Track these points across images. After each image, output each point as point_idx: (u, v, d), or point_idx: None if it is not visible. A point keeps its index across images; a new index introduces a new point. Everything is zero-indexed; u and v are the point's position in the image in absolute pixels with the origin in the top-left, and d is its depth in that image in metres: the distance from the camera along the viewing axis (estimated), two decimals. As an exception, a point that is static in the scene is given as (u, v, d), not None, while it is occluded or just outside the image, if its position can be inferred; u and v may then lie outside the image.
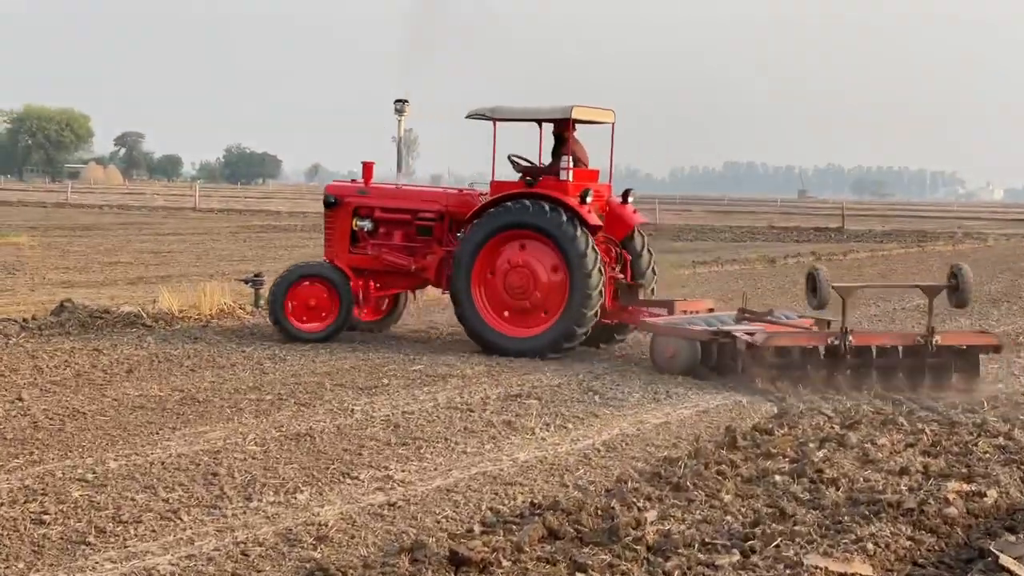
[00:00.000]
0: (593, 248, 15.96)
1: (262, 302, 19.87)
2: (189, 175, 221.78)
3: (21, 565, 7.23)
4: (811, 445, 10.84)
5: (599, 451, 10.91)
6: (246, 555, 7.63)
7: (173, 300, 19.21)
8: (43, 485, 8.93)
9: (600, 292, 16.02)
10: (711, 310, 17.05)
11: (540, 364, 15.52)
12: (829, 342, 14.16)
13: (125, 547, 7.66)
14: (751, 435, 11.37)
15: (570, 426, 11.92)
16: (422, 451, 10.60)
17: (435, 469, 10.00)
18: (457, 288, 16.35)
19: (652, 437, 11.58)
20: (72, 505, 8.46)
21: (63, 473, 9.32)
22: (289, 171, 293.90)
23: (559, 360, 15.81)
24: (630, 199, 17.48)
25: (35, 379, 13.44)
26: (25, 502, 8.45)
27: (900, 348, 14.50)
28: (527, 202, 16.18)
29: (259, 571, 7.36)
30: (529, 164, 17.22)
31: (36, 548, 7.56)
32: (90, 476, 9.25)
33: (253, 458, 10.10)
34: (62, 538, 7.77)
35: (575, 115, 16.72)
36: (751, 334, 14.44)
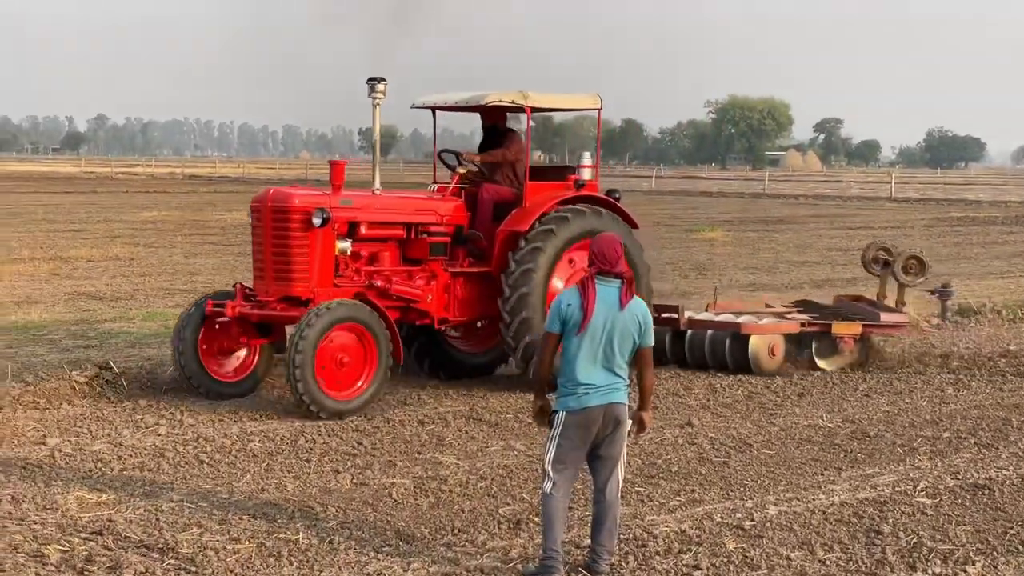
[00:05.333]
0: None
1: (949, 315, 18.98)
2: (887, 160, 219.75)
3: None
4: None
5: None
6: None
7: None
8: (700, 532, 8.71)
9: None
10: None
11: None
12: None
13: (773, 618, 7.30)
14: None
15: None
16: (1121, 516, 9.34)
17: None
18: (528, 320, 13.42)
19: None
20: (724, 559, 8.17)
21: (721, 518, 9.08)
22: (994, 153, 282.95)
23: None
24: None
25: (707, 400, 13.49)
26: (679, 552, 8.29)
27: None
28: (587, 208, 14.07)
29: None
30: (468, 158, 14.72)
31: None
32: (747, 524, 8.94)
33: (922, 513, 9.35)
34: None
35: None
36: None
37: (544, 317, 12.93)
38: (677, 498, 9.66)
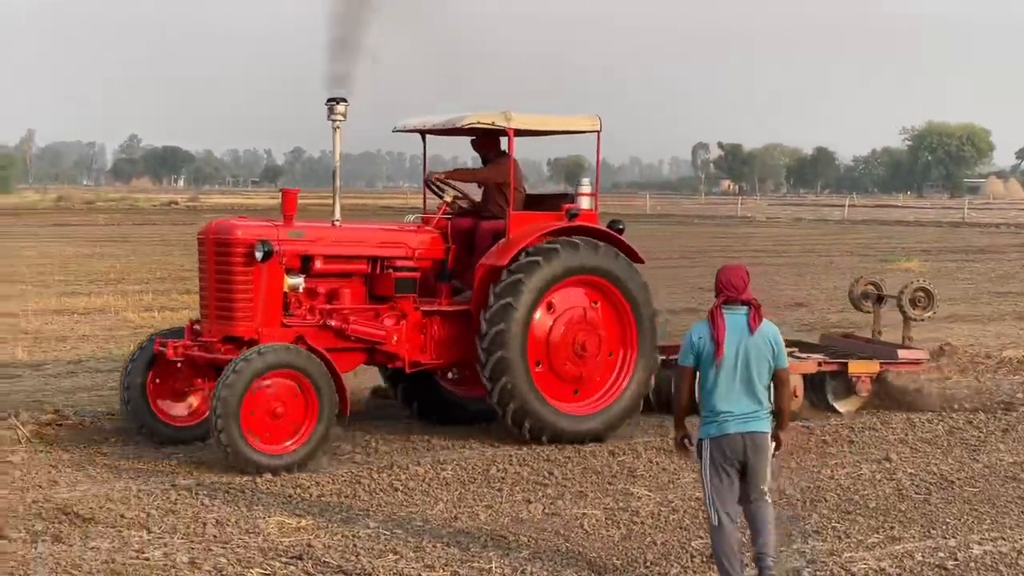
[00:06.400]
0: None
1: None
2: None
3: None
4: None
5: None
6: None
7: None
8: (900, 570, 8.51)
9: None
10: None
11: None
12: None
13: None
14: None
15: None
16: None
17: None
18: (512, 370, 12.10)
19: None
20: None
21: (922, 556, 8.84)
22: None
23: None
24: None
25: (906, 434, 13.15)
26: None
27: None
28: (580, 240, 12.61)
29: None
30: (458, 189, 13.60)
31: None
32: (950, 563, 8.68)
33: None
34: None
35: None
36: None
37: (523, 360, 12.18)
38: (875, 535, 9.42)
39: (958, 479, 11.22)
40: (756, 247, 46.50)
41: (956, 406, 14.50)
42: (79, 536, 9.16)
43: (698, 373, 7.83)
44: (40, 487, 10.56)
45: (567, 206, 12.91)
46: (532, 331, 12.29)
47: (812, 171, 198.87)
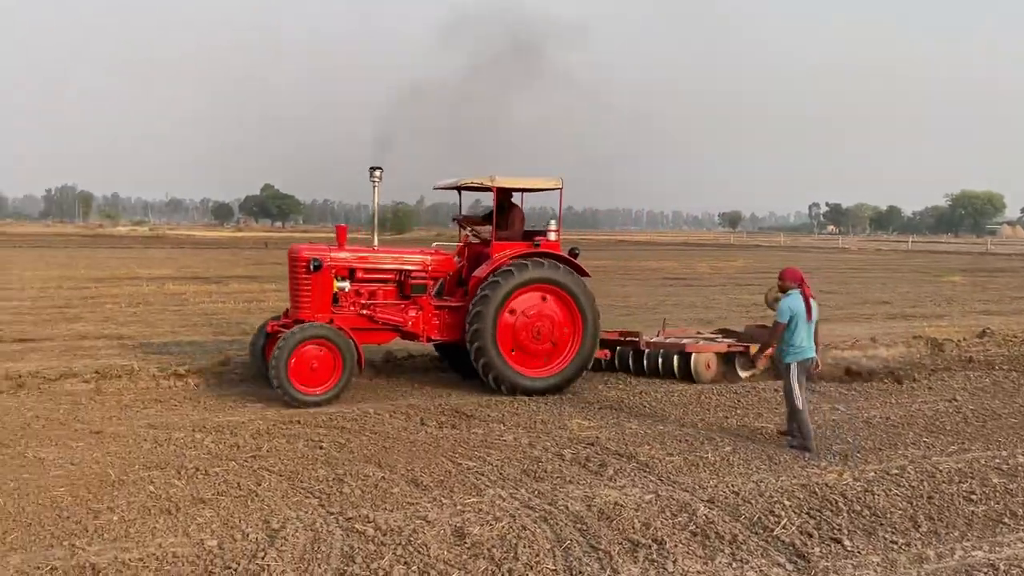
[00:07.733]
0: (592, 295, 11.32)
1: None
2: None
3: (956, 533, 6.40)
4: None
5: None
6: None
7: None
8: (971, 470, 7.91)
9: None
10: None
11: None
12: None
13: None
14: None
15: None
16: None
17: None
18: (484, 340, 10.76)
19: None
20: (992, 489, 7.36)
21: (985, 461, 8.19)
22: None
23: None
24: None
25: (964, 385, 12.13)
26: (959, 482, 7.54)
27: None
28: (543, 260, 11.05)
29: None
30: (475, 225, 11.81)
31: (967, 521, 6.66)
32: (1004, 466, 8.01)
33: None
34: (985, 515, 6.76)
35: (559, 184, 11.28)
36: None
37: (492, 335, 10.85)
38: (952, 447, 8.77)
39: (1004, 413, 10.34)
40: (851, 267, 44.08)
41: (996, 368, 13.31)
42: (465, 425, 9.42)
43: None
44: (440, 395, 10.85)
45: (536, 238, 11.49)
46: (502, 318, 10.93)
47: (886, 220, 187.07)
